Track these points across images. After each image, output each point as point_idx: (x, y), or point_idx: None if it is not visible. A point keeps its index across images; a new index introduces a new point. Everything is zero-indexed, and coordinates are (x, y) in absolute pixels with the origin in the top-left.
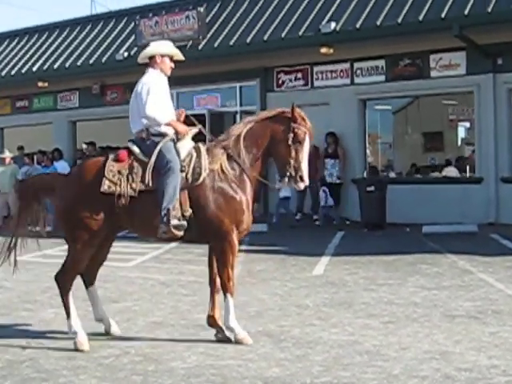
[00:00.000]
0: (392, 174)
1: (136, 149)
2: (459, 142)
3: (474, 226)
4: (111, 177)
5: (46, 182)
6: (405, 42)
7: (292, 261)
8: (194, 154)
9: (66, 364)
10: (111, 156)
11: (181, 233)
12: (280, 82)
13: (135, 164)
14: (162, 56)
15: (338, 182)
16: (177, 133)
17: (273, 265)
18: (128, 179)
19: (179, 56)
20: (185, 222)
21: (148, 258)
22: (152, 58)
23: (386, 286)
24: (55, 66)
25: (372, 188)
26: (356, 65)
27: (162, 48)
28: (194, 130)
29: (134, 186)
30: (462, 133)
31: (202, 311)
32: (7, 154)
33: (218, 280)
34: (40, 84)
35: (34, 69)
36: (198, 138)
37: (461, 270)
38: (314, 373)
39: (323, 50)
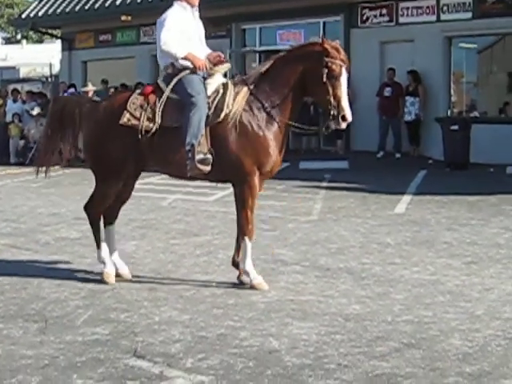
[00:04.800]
0: (476, 114)
1: (163, 84)
2: None
3: None
4: (132, 110)
5: (77, 105)
6: None
7: (373, 198)
8: (221, 91)
9: (146, 295)
10: (138, 90)
11: (207, 167)
12: (364, 17)
13: (161, 99)
14: None
15: (414, 119)
16: (194, 68)
17: (354, 202)
18: (150, 113)
19: None
20: (210, 156)
21: (229, 192)
22: None
23: (468, 227)
24: (138, 0)
25: (456, 127)
26: (442, 1)
27: None
28: (226, 66)
29: (155, 120)
30: None
31: (283, 246)
32: (90, 87)
33: None
34: (123, 18)
35: (118, 2)
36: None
37: None
38: (395, 311)
39: None
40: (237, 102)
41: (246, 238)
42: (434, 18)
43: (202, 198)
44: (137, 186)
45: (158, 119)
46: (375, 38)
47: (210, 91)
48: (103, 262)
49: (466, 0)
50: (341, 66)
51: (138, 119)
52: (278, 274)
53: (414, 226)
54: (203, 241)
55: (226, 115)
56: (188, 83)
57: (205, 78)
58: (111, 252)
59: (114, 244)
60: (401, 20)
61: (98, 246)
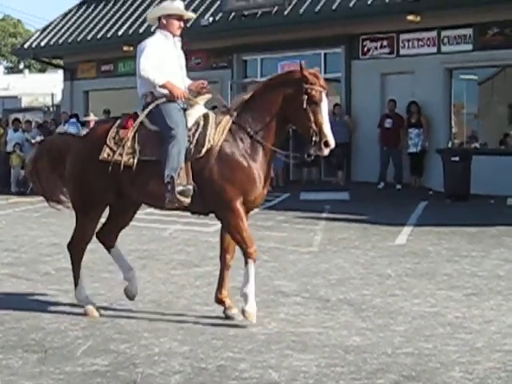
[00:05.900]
0: (476, 145)
1: (142, 115)
2: None
3: None
4: (112, 144)
5: (62, 144)
6: (494, 11)
7: (374, 230)
8: (201, 123)
9: (146, 326)
10: (117, 122)
11: (188, 199)
12: (365, 49)
13: (141, 132)
14: (169, 16)
15: (420, 150)
16: (172, 96)
17: (354, 233)
18: (129, 148)
19: (188, 15)
20: (190, 187)
21: None
22: (159, 19)
23: (469, 258)
24: (140, 31)
25: (457, 158)
26: (443, 33)
27: (167, 9)
28: (206, 97)
29: (135, 154)
30: None
31: (283, 277)
32: (92, 117)
33: (228, 257)
34: (125, 48)
35: (120, 33)
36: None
37: None
38: (395, 343)
39: (410, 17)
40: (218, 132)
41: (250, 261)
42: (434, 49)
43: (203, 229)
44: (137, 216)
45: (136, 153)
46: (376, 70)
47: (190, 123)
48: (82, 302)
49: (466, 32)
50: (320, 92)
51: (118, 154)
52: (278, 306)
53: (415, 257)
54: (204, 271)
55: (208, 150)
56: (167, 113)
57: (185, 110)
58: (128, 270)
59: (127, 261)
60: (401, 52)
61: (76, 285)
